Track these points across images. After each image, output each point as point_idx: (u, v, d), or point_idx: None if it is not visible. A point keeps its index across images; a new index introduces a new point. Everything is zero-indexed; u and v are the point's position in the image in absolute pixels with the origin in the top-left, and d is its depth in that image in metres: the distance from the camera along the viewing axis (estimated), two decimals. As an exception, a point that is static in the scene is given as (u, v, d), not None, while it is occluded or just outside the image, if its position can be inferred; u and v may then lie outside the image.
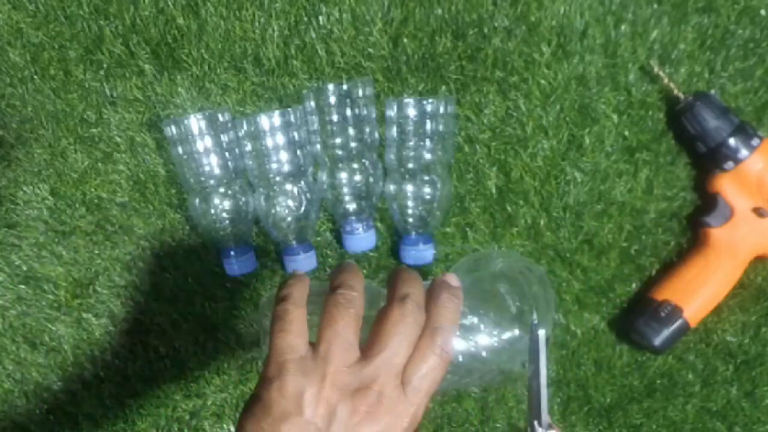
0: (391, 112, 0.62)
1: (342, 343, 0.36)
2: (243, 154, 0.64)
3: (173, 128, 0.62)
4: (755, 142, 0.60)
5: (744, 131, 0.60)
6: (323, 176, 0.64)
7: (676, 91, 0.63)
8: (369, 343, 0.37)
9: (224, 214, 0.64)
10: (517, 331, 0.42)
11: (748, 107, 0.65)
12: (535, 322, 0.41)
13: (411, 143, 0.61)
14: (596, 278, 0.67)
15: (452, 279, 0.41)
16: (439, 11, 0.64)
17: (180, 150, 0.62)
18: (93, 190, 0.67)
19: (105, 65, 0.66)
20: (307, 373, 0.35)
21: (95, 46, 0.66)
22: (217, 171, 0.63)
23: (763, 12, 0.64)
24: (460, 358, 0.41)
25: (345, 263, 0.40)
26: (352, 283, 0.38)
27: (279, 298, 0.39)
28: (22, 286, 0.68)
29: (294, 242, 0.65)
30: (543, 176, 0.66)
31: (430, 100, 0.60)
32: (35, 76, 0.67)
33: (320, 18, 0.65)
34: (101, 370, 0.68)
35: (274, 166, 0.62)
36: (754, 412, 0.67)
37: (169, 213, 0.67)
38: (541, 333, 0.40)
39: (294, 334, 0.36)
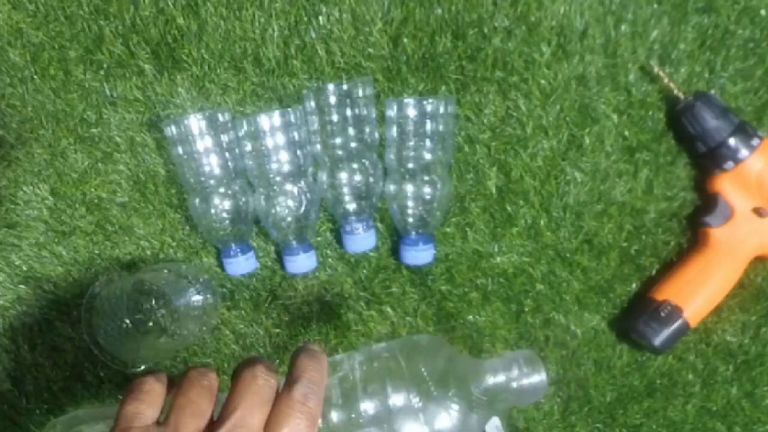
0: (391, 112, 0.62)
1: (192, 411, 0.34)
2: (243, 154, 0.64)
3: (173, 128, 0.62)
4: (755, 142, 0.60)
5: (744, 131, 0.60)
6: (323, 176, 0.64)
7: (676, 91, 0.63)
8: (221, 411, 0.35)
9: (224, 214, 0.64)
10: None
11: (748, 107, 0.65)
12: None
13: (411, 143, 0.61)
14: (596, 278, 0.67)
15: (314, 346, 0.40)
16: (439, 11, 0.64)
17: (180, 150, 0.62)
18: (93, 190, 0.67)
19: (105, 65, 0.66)
20: None
21: (95, 46, 0.66)
22: (217, 171, 0.63)
23: (763, 12, 0.64)
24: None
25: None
26: (208, 372, 0.38)
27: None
28: (22, 286, 0.68)
29: (294, 242, 0.65)
30: (543, 176, 0.66)
31: (430, 100, 0.60)
32: (35, 76, 0.67)
33: (320, 18, 0.65)
34: (101, 370, 0.68)
35: (274, 166, 0.62)
36: (754, 412, 0.67)
37: (169, 213, 0.67)
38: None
39: (145, 404, 0.35)
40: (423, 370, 0.42)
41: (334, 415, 0.40)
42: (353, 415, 0.40)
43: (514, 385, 0.46)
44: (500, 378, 0.46)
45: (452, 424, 0.41)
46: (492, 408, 0.45)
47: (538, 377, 0.46)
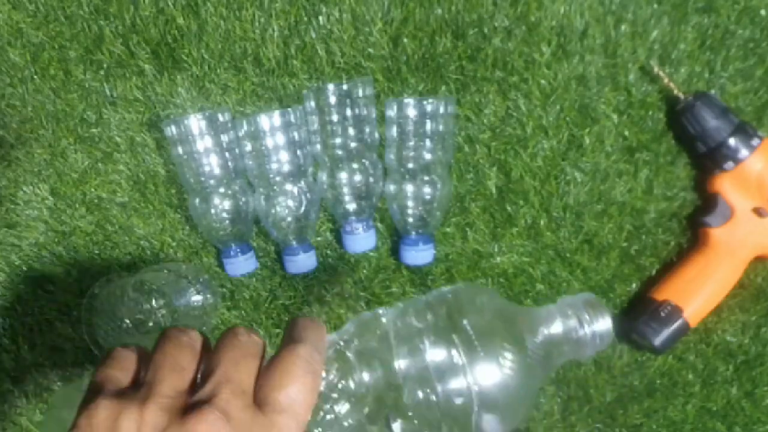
0: (391, 112, 0.62)
1: (172, 366, 0.30)
2: (243, 154, 0.64)
3: (173, 128, 0.62)
4: (755, 142, 0.60)
5: (744, 131, 0.60)
6: (323, 176, 0.64)
7: (676, 91, 0.63)
8: (202, 370, 0.32)
9: (224, 214, 0.64)
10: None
11: (748, 107, 0.65)
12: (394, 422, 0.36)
13: (411, 143, 0.61)
14: (596, 278, 0.67)
15: (312, 317, 0.36)
16: (439, 11, 0.64)
17: (180, 150, 0.62)
18: (93, 190, 0.67)
19: (105, 65, 0.66)
20: (125, 399, 0.29)
21: (95, 46, 0.66)
22: (217, 171, 0.63)
23: (763, 12, 0.64)
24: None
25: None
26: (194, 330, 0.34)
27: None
28: (22, 286, 0.68)
29: (294, 242, 0.65)
30: (543, 176, 0.66)
31: (430, 100, 0.60)
32: (35, 76, 0.67)
33: (320, 18, 0.65)
34: (101, 370, 0.68)
35: (274, 166, 0.62)
36: (754, 412, 0.67)
37: (169, 213, 0.67)
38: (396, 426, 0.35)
39: (115, 369, 0.31)
40: (465, 323, 0.37)
41: (366, 376, 0.36)
42: (389, 377, 0.36)
43: (575, 335, 0.39)
44: (558, 328, 0.39)
45: (505, 381, 0.36)
46: (551, 362, 0.40)
47: (602, 324, 0.39)
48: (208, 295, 0.64)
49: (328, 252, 0.68)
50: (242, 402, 0.29)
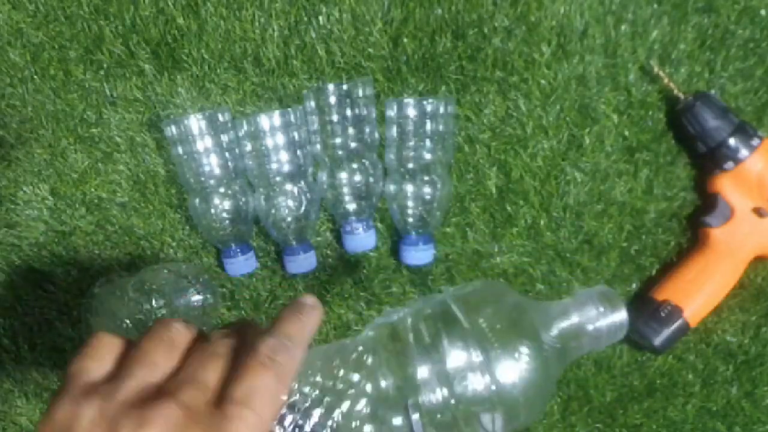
0: (391, 112, 0.62)
1: (144, 362, 0.31)
2: (243, 154, 0.64)
3: (173, 128, 0.62)
4: (755, 142, 0.60)
5: (744, 131, 0.60)
6: (323, 176, 0.64)
7: (676, 91, 0.63)
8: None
9: (224, 214, 0.64)
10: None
11: (748, 107, 0.65)
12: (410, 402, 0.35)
13: (411, 143, 0.61)
14: (596, 278, 0.67)
15: (305, 298, 0.36)
16: (439, 11, 0.64)
17: (180, 150, 0.62)
18: (93, 190, 0.67)
19: (105, 65, 0.66)
20: (89, 394, 0.30)
21: (95, 46, 0.66)
22: (217, 171, 0.63)
23: (763, 12, 0.64)
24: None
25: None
26: (185, 322, 0.34)
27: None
28: (22, 286, 0.68)
29: (294, 242, 0.65)
30: (543, 176, 0.66)
31: (430, 100, 0.60)
32: (35, 76, 0.67)
33: (320, 18, 0.65)
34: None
35: (274, 166, 0.62)
36: (754, 412, 0.67)
37: (169, 213, 0.67)
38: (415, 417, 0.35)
39: (91, 359, 0.32)
40: (481, 321, 0.37)
41: (383, 382, 0.36)
42: (406, 379, 0.36)
43: (590, 327, 0.39)
44: (573, 320, 0.39)
45: (522, 377, 0.36)
46: (567, 355, 0.40)
47: (617, 316, 0.39)
48: (208, 295, 0.64)
49: (328, 252, 0.68)
50: (203, 397, 0.30)
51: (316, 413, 0.34)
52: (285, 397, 0.32)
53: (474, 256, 0.67)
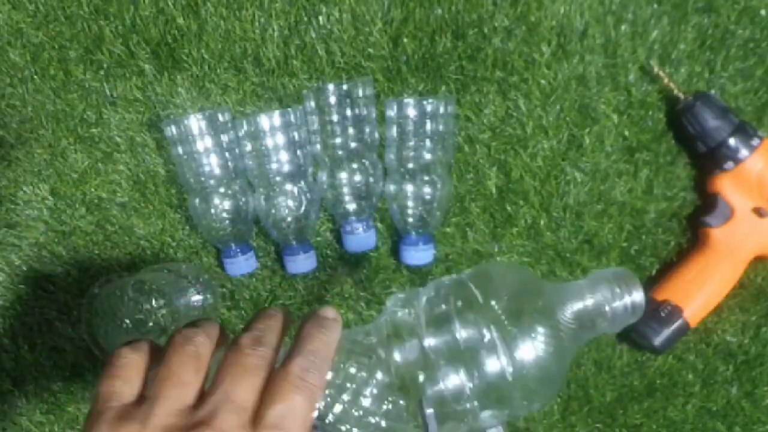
0: (391, 112, 0.62)
1: (175, 383, 0.31)
2: (243, 154, 0.64)
3: (173, 128, 0.62)
4: (755, 142, 0.60)
5: (744, 131, 0.60)
6: (323, 176, 0.64)
7: (676, 91, 0.63)
8: (209, 387, 0.32)
9: (224, 214, 0.64)
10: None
11: (748, 107, 0.65)
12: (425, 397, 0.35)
13: (411, 143, 0.61)
14: (596, 278, 0.67)
15: (326, 312, 0.37)
16: (439, 11, 0.64)
17: (180, 150, 0.62)
18: (93, 190, 0.67)
19: (105, 65, 0.66)
20: (125, 419, 0.30)
21: (95, 46, 0.66)
22: (217, 171, 0.63)
23: (763, 12, 0.64)
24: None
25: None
26: (204, 328, 0.34)
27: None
28: (22, 286, 0.68)
29: (294, 242, 0.65)
30: (543, 176, 0.66)
31: (430, 100, 0.60)
32: (35, 76, 0.67)
33: (320, 18, 0.65)
34: (101, 370, 0.68)
35: (274, 166, 0.62)
36: (754, 412, 0.67)
37: (169, 213, 0.68)
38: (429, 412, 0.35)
39: (121, 380, 0.32)
40: (494, 302, 0.37)
41: (397, 355, 0.36)
42: (420, 356, 0.36)
43: (606, 308, 0.39)
44: (589, 302, 0.39)
45: (539, 356, 0.36)
46: (581, 337, 0.39)
47: (633, 296, 0.39)
48: (208, 295, 0.64)
49: (328, 252, 0.68)
50: (239, 420, 0.30)
51: (326, 404, 0.35)
52: (315, 414, 0.33)
53: (474, 256, 0.67)
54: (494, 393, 0.36)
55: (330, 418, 0.35)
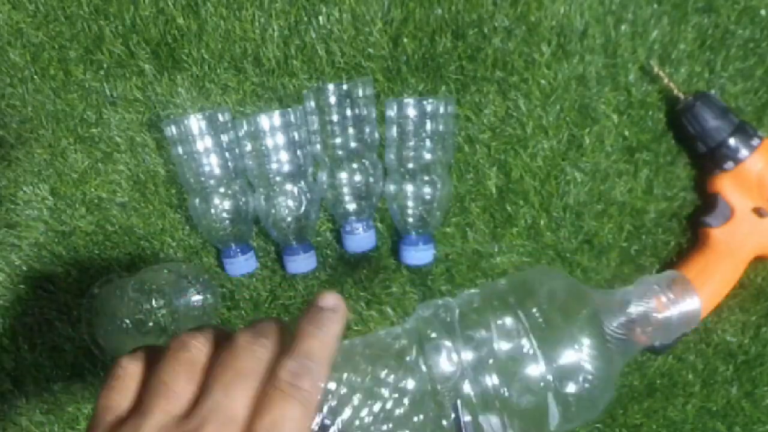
0: (391, 112, 0.62)
1: (164, 394, 0.30)
2: (243, 154, 0.64)
3: (173, 128, 0.62)
4: (755, 142, 0.60)
5: (744, 131, 0.60)
6: (323, 176, 0.64)
7: (676, 91, 0.63)
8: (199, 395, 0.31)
9: (224, 214, 0.64)
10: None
11: (748, 107, 0.65)
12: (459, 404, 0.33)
13: (411, 143, 0.61)
14: (596, 278, 0.67)
15: (325, 300, 0.34)
16: (439, 11, 0.64)
17: (180, 150, 0.62)
18: (93, 190, 0.67)
19: (105, 65, 0.66)
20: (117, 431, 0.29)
21: (95, 46, 0.66)
22: (217, 171, 0.63)
23: (763, 12, 0.64)
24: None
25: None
26: (203, 331, 0.32)
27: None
28: (22, 286, 0.68)
29: (294, 242, 0.65)
30: (543, 176, 0.66)
31: (430, 100, 0.60)
32: (35, 76, 0.67)
33: (320, 18, 0.65)
34: (101, 370, 0.68)
35: (274, 166, 0.62)
36: (754, 412, 0.67)
37: (169, 213, 0.68)
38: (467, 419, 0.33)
39: (116, 391, 0.31)
40: (535, 311, 0.34)
41: (431, 363, 0.34)
42: (456, 366, 0.34)
43: (659, 316, 0.36)
44: (638, 309, 0.36)
45: (584, 370, 0.33)
46: (631, 348, 0.36)
47: (690, 303, 0.36)
48: (208, 295, 0.64)
49: (328, 252, 0.68)
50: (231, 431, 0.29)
51: (346, 412, 0.32)
52: (314, 421, 0.31)
53: (474, 256, 0.67)
54: (535, 408, 0.33)
55: (356, 423, 0.32)
